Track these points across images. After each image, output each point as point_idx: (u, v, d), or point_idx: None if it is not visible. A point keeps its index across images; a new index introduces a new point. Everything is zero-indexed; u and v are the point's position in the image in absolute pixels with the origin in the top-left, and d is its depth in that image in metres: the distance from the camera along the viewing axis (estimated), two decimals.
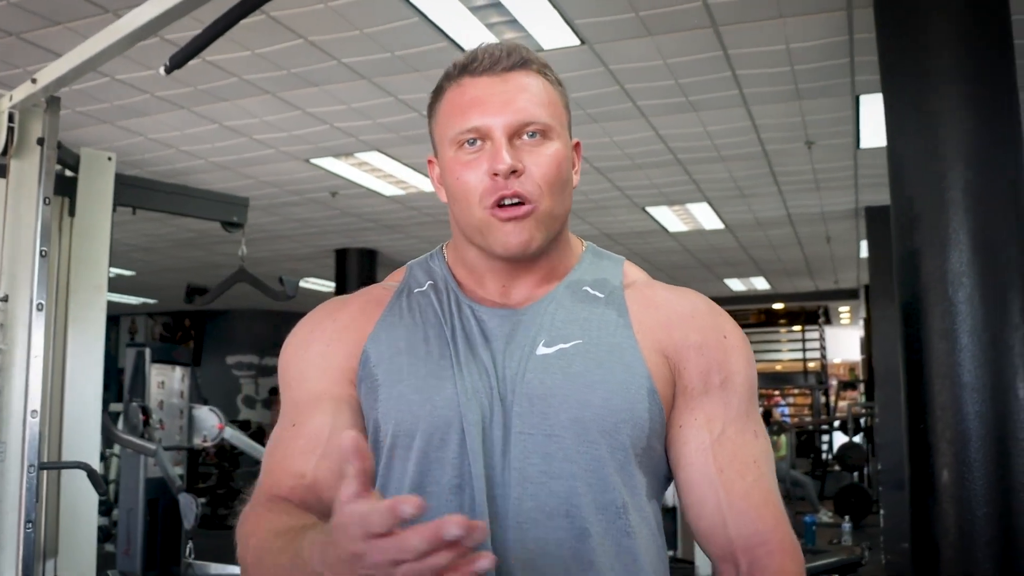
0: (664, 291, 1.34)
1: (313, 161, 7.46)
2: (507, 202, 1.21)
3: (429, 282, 1.33)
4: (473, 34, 4.85)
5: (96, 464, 3.29)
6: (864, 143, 7.15)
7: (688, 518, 1.27)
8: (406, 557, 0.87)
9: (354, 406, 1.27)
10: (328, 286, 12.95)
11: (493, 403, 1.19)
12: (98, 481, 3.11)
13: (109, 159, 3.68)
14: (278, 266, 12.08)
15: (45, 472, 2.84)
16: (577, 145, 1.33)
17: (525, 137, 1.22)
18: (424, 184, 8.17)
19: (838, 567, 4.95)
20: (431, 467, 1.19)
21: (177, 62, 2.52)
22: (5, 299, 2.83)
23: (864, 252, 11.41)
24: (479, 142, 1.22)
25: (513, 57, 1.25)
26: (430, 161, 1.33)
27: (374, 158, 7.44)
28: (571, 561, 1.16)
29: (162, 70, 2.56)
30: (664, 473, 1.29)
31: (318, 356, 1.31)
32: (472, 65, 1.25)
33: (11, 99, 2.83)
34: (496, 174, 1.19)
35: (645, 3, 4.59)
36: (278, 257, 11.65)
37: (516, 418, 1.18)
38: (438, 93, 1.29)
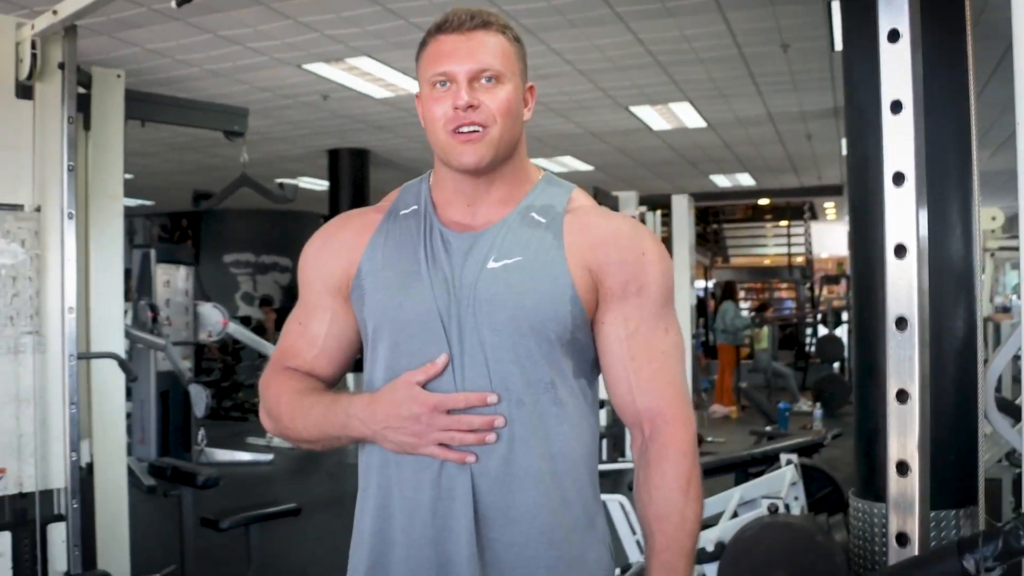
0: (597, 217, 1.67)
1: (305, 67, 7.71)
2: (465, 129, 1.52)
3: (414, 206, 1.67)
4: None
5: (122, 355, 3.69)
6: (839, 46, 7.39)
7: (608, 394, 1.66)
8: (460, 427, 1.50)
9: (342, 315, 1.67)
10: (322, 185, 13.22)
11: (451, 306, 1.54)
12: (128, 368, 3.51)
13: (119, 76, 3.99)
14: (273, 167, 12.35)
15: (77, 362, 3.21)
16: (531, 88, 1.66)
17: (483, 81, 1.53)
18: (412, 86, 8.43)
19: (799, 447, 5.36)
20: (400, 354, 1.57)
21: None
22: (38, 209, 3.17)
23: (846, 150, 11.69)
24: (447, 84, 1.53)
25: (476, 20, 1.56)
26: (417, 97, 1.66)
27: (364, 63, 7.69)
28: (511, 424, 1.53)
29: (173, 2, 2.86)
30: (590, 358, 1.65)
31: (321, 267, 1.69)
32: (444, 25, 1.56)
33: (33, 28, 3.13)
34: (457, 107, 1.51)
35: None
36: (273, 159, 11.92)
37: (469, 317, 1.55)
38: (422, 46, 1.62)
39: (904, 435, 1.20)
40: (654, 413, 1.58)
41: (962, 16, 1.27)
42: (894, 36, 1.15)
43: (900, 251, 1.16)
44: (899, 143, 1.14)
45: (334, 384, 1.71)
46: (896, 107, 1.15)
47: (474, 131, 1.53)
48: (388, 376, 1.57)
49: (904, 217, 1.14)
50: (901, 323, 1.19)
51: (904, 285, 1.17)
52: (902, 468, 1.19)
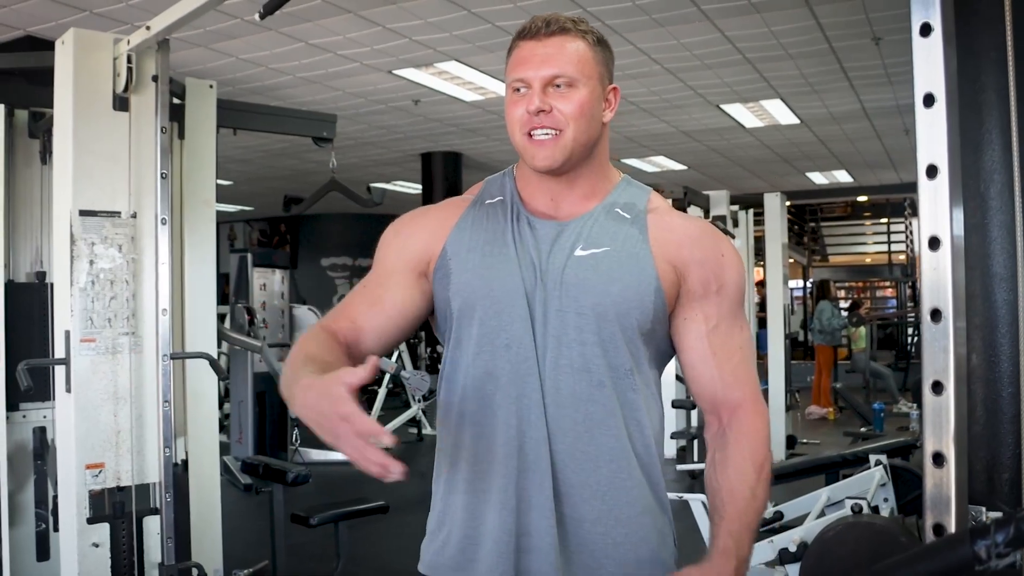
0: (679, 218, 1.75)
1: (395, 72, 7.86)
2: (538, 133, 1.61)
3: (499, 197, 1.74)
4: None
5: (215, 355, 3.82)
6: None
7: (689, 386, 1.73)
8: (358, 455, 1.32)
9: (408, 288, 1.69)
10: (415, 188, 13.41)
11: (537, 288, 1.61)
12: (219, 368, 3.63)
13: (211, 87, 4.13)
14: (367, 171, 12.58)
15: (171, 362, 3.34)
16: (614, 90, 1.72)
17: (557, 86, 1.61)
18: (501, 89, 8.50)
19: (890, 448, 5.26)
20: (488, 332, 1.63)
21: (270, 9, 2.93)
22: (134, 216, 3.32)
23: None
24: (524, 88, 1.62)
25: (552, 26, 1.63)
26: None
27: (453, 67, 7.80)
28: (590, 404, 1.60)
29: (257, 16, 2.97)
30: (664, 350, 1.71)
31: (401, 243, 1.74)
32: (524, 32, 1.66)
33: (129, 43, 3.28)
34: (529, 112, 1.60)
35: None
36: (366, 163, 12.14)
37: (555, 300, 1.61)
38: (509, 51, 1.71)
39: (939, 427, 1.20)
40: (735, 404, 1.65)
41: (1000, 8, 1.25)
42: (926, 30, 1.15)
43: (934, 243, 1.17)
44: (932, 136, 1.14)
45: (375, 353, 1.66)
46: (928, 100, 1.15)
47: (546, 135, 1.62)
48: (476, 351, 1.63)
49: (938, 210, 1.14)
50: (936, 315, 1.20)
51: (938, 277, 1.18)
52: (938, 459, 1.19)
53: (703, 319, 1.66)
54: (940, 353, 1.19)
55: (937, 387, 1.21)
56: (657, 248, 1.65)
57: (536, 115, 1.60)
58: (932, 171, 1.17)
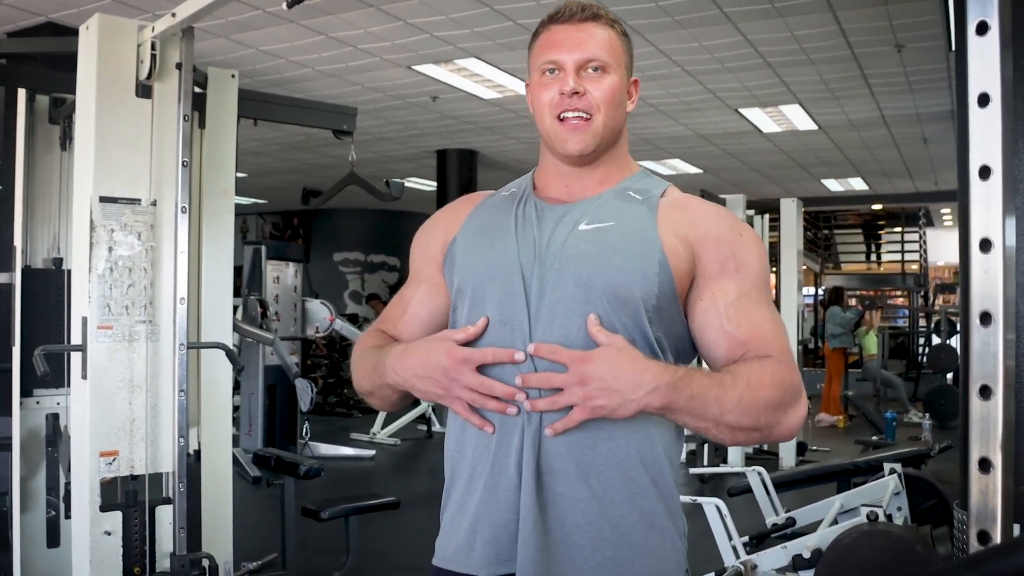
0: (695, 201, 1.70)
1: (415, 68, 7.85)
2: (569, 115, 1.61)
3: (513, 190, 1.77)
4: None
5: (231, 346, 3.81)
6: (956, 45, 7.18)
7: (707, 361, 1.62)
8: (484, 391, 1.50)
9: (436, 284, 1.75)
10: (430, 185, 13.40)
11: (535, 263, 1.58)
12: (234, 358, 3.62)
13: (233, 76, 4.12)
14: (382, 167, 12.57)
15: (187, 351, 3.32)
16: (635, 82, 1.73)
17: (590, 70, 1.62)
18: (520, 88, 8.49)
19: (904, 458, 5.25)
20: (485, 308, 1.60)
21: None
22: (154, 203, 3.31)
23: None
24: (556, 71, 1.63)
25: (586, 12, 1.65)
26: (527, 85, 1.75)
27: (472, 64, 7.79)
28: None
29: (284, 5, 2.95)
30: (680, 335, 1.62)
31: (424, 243, 1.81)
32: (556, 16, 1.66)
33: (153, 30, 3.26)
34: (563, 93, 1.61)
35: None
36: (382, 158, 12.13)
37: (553, 274, 1.56)
38: (535, 36, 1.71)
39: (987, 432, 1.18)
40: (761, 356, 1.54)
41: None
42: (982, 28, 1.13)
43: (985, 245, 1.15)
44: (986, 137, 1.13)
45: None
46: (983, 100, 1.13)
47: (578, 117, 1.61)
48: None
49: (990, 212, 1.13)
50: (985, 318, 1.17)
51: (989, 280, 1.16)
52: (984, 465, 1.17)
53: (721, 296, 1.57)
54: (989, 357, 1.17)
55: (985, 391, 1.18)
56: (666, 224, 1.60)
57: (570, 97, 1.60)
58: (985, 172, 1.15)
